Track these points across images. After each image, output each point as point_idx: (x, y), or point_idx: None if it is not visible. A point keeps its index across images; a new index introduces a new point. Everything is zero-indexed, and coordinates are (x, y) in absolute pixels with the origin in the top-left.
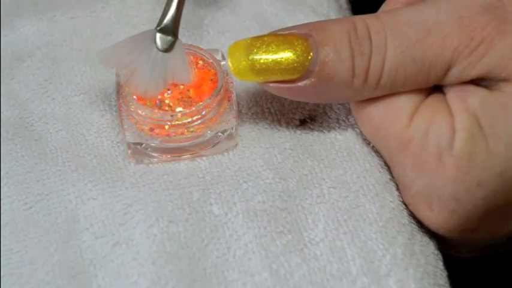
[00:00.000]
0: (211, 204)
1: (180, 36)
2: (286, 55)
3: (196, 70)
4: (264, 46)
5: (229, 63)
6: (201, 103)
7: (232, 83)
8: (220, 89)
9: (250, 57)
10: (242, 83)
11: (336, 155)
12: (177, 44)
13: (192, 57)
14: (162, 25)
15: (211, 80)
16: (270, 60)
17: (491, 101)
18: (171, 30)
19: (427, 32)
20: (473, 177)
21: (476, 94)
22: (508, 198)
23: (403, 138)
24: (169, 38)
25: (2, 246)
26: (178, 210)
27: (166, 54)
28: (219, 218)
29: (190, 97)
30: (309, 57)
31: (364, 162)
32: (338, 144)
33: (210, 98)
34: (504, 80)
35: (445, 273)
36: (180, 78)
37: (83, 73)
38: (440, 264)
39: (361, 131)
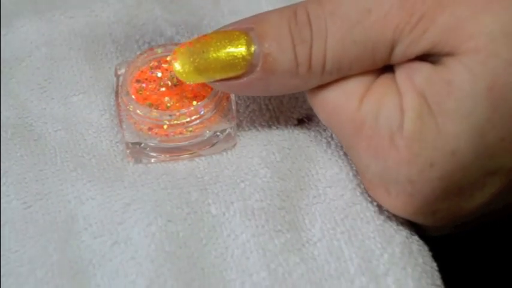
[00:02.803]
0: (209, 204)
1: (179, 37)
2: (227, 52)
3: None
4: (205, 45)
5: (174, 67)
6: (199, 103)
7: None
8: None
9: (192, 59)
10: None
11: (331, 154)
12: None
13: None
14: None
15: None
16: (212, 59)
17: (435, 77)
18: None
19: (367, 12)
20: (426, 158)
21: (421, 71)
22: (464, 177)
23: (355, 122)
24: None
25: (1, 246)
26: (177, 210)
27: None
28: (216, 218)
29: (188, 97)
30: (251, 51)
31: None
32: (334, 143)
33: (208, 98)
34: (448, 54)
35: (439, 275)
36: None
37: (82, 73)
38: (435, 265)
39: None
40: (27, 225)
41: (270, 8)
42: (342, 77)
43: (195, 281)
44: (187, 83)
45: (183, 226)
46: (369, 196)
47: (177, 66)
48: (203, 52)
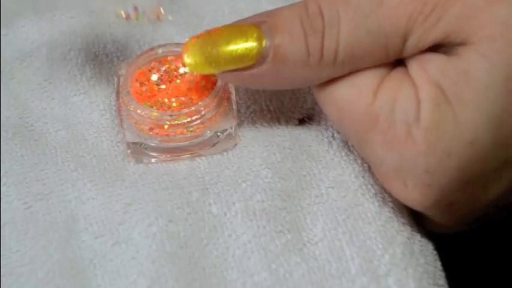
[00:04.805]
0: (210, 204)
1: (180, 37)
2: (239, 43)
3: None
4: (216, 39)
5: (185, 59)
6: (200, 103)
7: None
8: (220, 89)
9: (202, 52)
10: None
11: (333, 155)
12: None
13: None
14: None
15: (211, 79)
16: (222, 52)
17: (451, 67)
18: None
19: (380, 1)
20: (444, 148)
21: (435, 62)
22: (482, 167)
23: (369, 116)
24: None
25: (1, 246)
26: (178, 210)
27: None
28: (218, 218)
29: (189, 97)
30: (262, 43)
31: (363, 162)
32: (336, 144)
33: (209, 98)
34: (461, 44)
35: (443, 274)
36: None
37: (82, 73)
38: (439, 264)
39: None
40: (28, 225)
41: (271, 8)
42: (353, 69)
43: (196, 281)
44: (196, 73)
45: (184, 226)
46: (370, 197)
47: (187, 58)
48: (214, 45)
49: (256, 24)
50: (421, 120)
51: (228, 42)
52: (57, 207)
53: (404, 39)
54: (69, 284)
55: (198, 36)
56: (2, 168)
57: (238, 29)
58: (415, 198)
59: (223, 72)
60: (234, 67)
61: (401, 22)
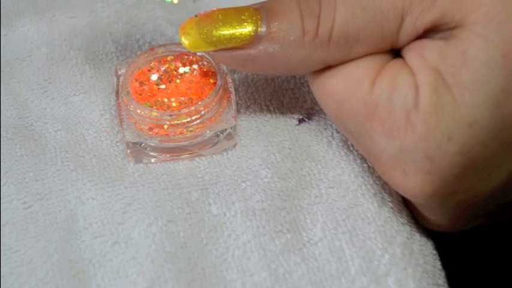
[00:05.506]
0: (210, 204)
1: (179, 36)
2: (235, 24)
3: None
4: (215, 16)
5: (182, 40)
6: (200, 103)
7: (231, 82)
8: (220, 88)
9: (199, 32)
10: (241, 83)
11: (333, 155)
12: None
13: (191, 57)
14: None
15: (211, 79)
16: (221, 29)
17: (448, 50)
18: None
19: None
20: (443, 131)
21: (433, 47)
22: (482, 151)
23: (367, 106)
24: None
25: (1, 246)
26: (178, 210)
27: None
28: (217, 217)
29: (189, 97)
30: (259, 24)
31: (362, 162)
32: (335, 143)
33: (209, 98)
34: (457, 26)
35: (443, 273)
36: None
37: (82, 73)
38: (439, 264)
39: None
40: (28, 225)
41: None
42: (348, 52)
43: (195, 281)
44: (192, 50)
45: (183, 226)
46: (370, 197)
47: (184, 38)
48: (210, 25)
49: (255, 8)
50: (420, 105)
51: (225, 23)
52: (56, 207)
53: (402, 19)
54: (69, 284)
55: (196, 16)
56: (2, 168)
57: (236, 10)
58: (415, 187)
59: (219, 50)
60: (229, 45)
61: (398, 1)
